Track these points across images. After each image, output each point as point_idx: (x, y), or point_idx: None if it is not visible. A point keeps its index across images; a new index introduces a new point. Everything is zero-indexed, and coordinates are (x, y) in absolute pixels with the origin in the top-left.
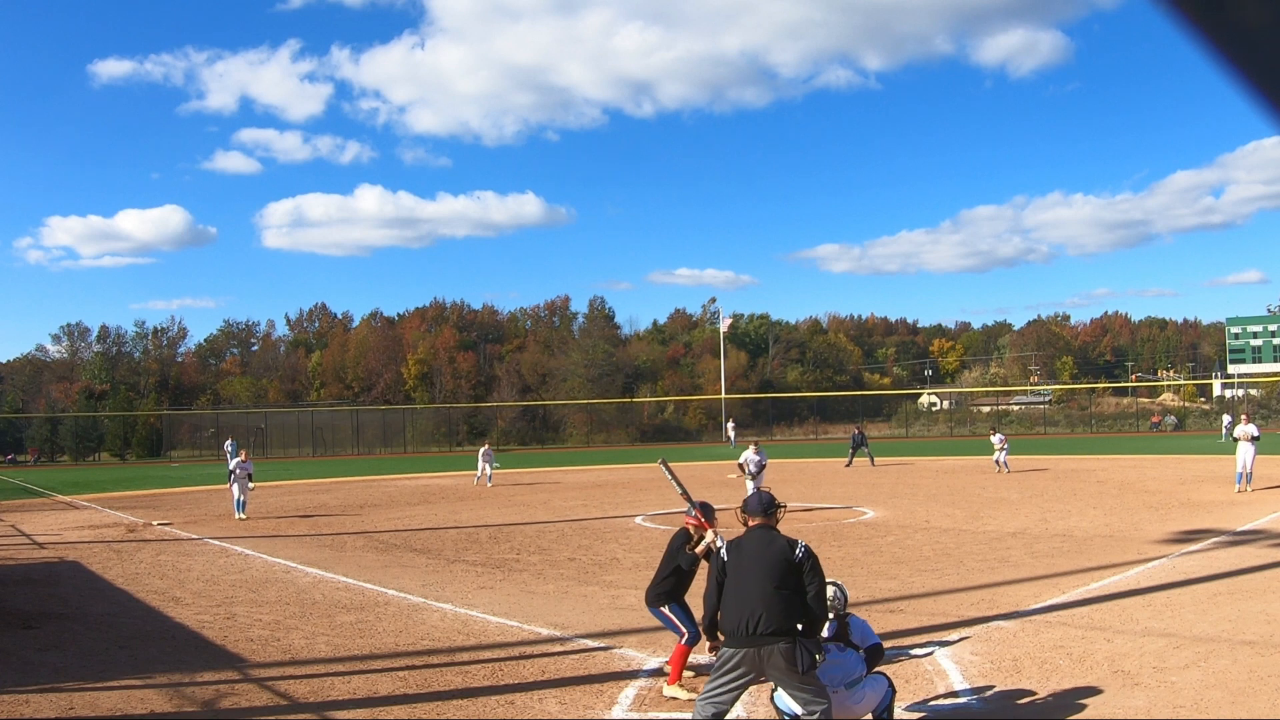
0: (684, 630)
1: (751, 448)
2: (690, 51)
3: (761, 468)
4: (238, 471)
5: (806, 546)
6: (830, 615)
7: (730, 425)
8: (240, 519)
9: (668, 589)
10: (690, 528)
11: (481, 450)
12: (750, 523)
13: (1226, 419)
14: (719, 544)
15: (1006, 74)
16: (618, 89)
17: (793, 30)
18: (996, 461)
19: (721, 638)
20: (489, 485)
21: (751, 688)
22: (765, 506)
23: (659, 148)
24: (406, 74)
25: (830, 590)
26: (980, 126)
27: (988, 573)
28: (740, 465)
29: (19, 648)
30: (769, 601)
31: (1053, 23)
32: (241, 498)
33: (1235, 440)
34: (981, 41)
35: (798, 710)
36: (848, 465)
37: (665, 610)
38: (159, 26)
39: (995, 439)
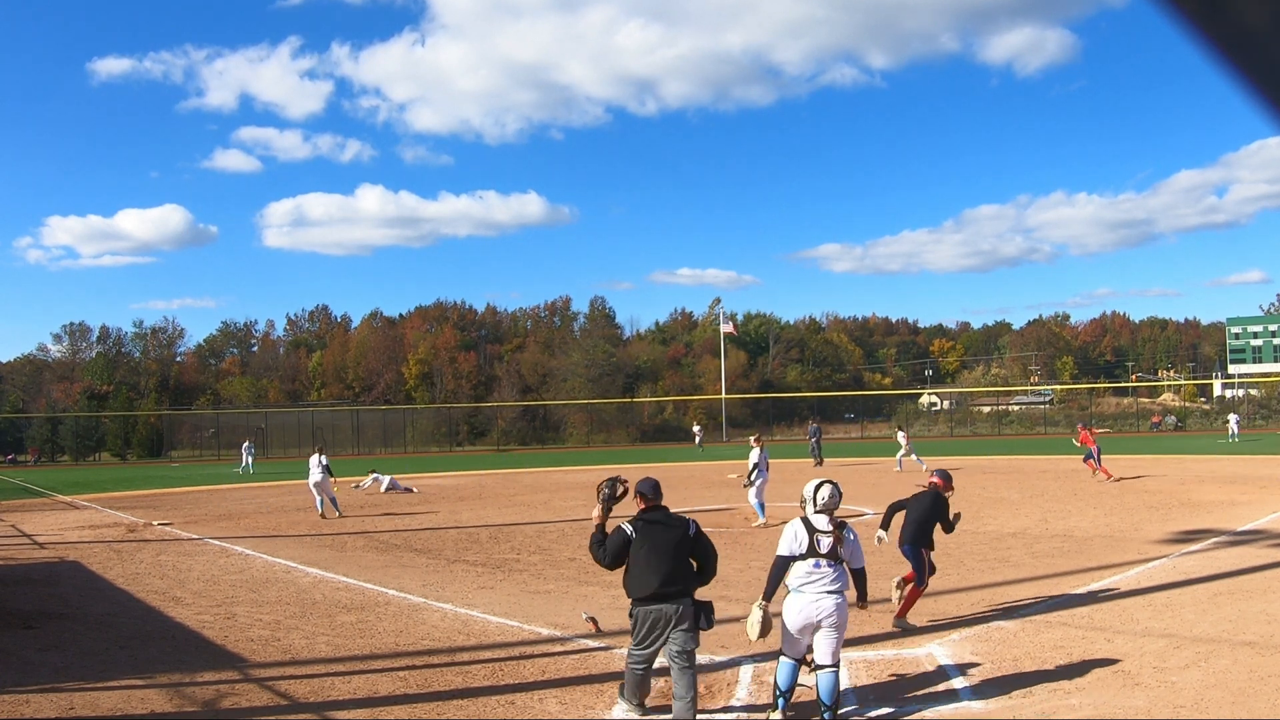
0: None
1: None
2: (693, 49)
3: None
4: (320, 475)
5: (696, 523)
6: (826, 513)
7: (697, 429)
8: (338, 516)
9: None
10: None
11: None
12: (643, 504)
13: (1234, 418)
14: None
15: (1013, 72)
16: (620, 87)
17: (795, 28)
18: (900, 460)
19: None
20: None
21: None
22: (656, 490)
23: (662, 147)
24: (407, 71)
25: (828, 489)
26: (984, 125)
27: (988, 573)
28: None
29: (19, 648)
30: (678, 571)
31: (1060, 21)
32: (327, 496)
33: None
34: (988, 40)
35: (822, 690)
36: (818, 464)
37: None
38: (158, 24)
39: (900, 437)
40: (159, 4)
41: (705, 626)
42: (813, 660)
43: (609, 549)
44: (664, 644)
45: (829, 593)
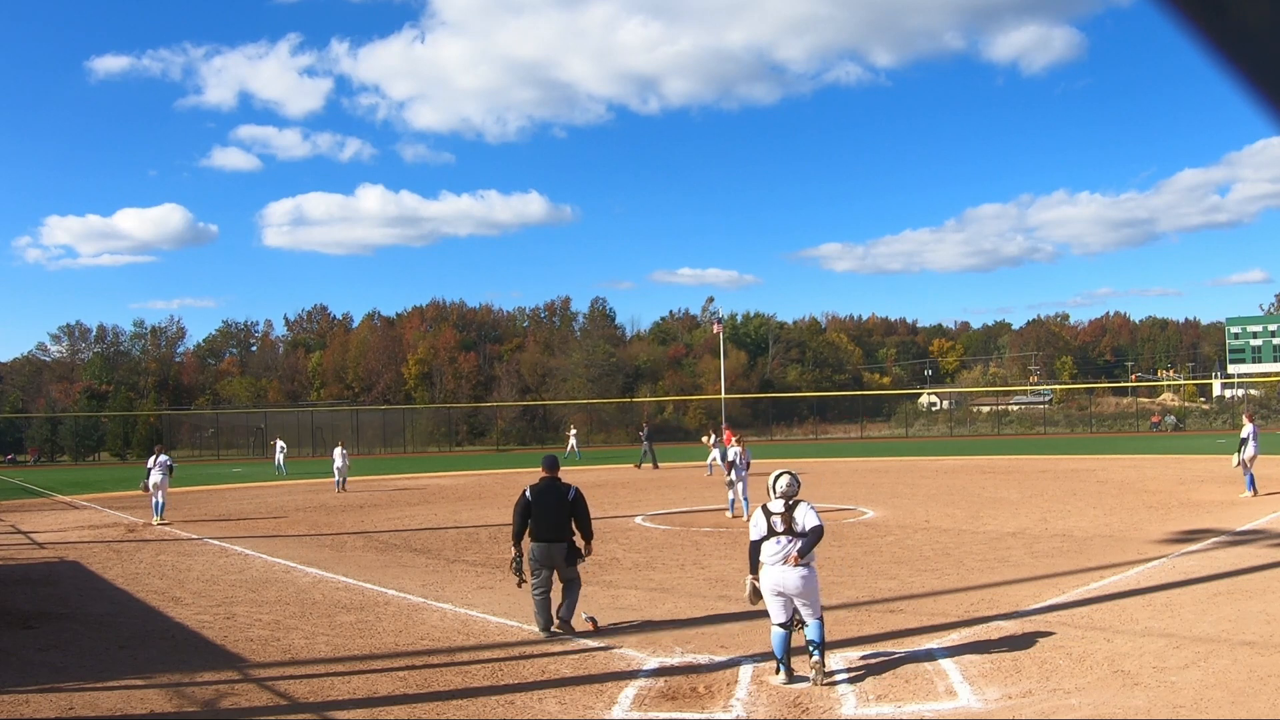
0: None
1: (729, 443)
2: (695, 46)
3: (731, 465)
4: (158, 474)
5: (577, 489)
6: (786, 499)
7: (572, 432)
8: (157, 523)
9: None
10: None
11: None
12: (543, 474)
13: None
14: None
15: (1018, 70)
16: (622, 85)
17: (798, 25)
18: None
19: (527, 543)
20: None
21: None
22: (552, 466)
23: (665, 145)
24: (407, 69)
25: (786, 479)
26: (988, 124)
27: (988, 573)
28: (730, 464)
29: (19, 648)
30: (558, 523)
31: (1066, 19)
32: (159, 499)
33: None
34: (993, 38)
35: (810, 634)
36: (648, 467)
37: None
38: (156, 21)
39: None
40: (157, 1)
41: (572, 562)
42: (800, 622)
43: (516, 510)
44: (552, 574)
45: (798, 564)
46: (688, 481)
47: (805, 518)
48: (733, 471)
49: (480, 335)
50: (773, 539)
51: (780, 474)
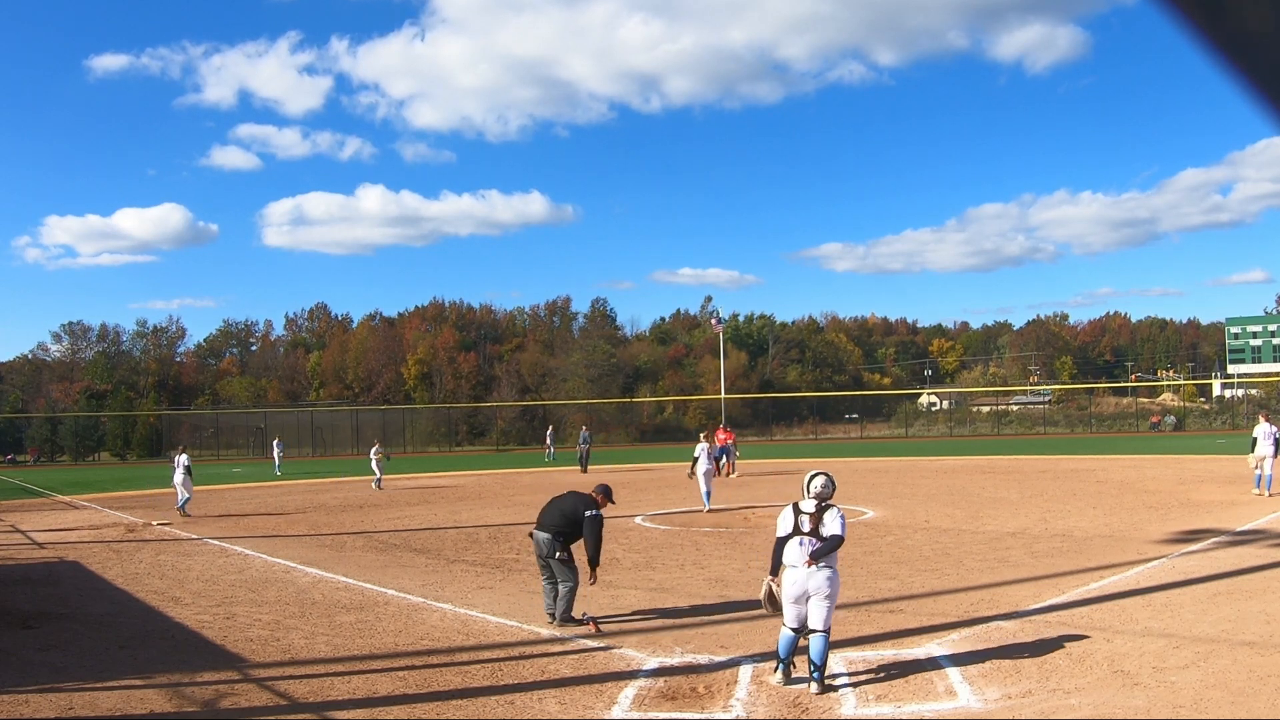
0: None
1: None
2: (696, 45)
3: (712, 458)
4: (180, 472)
5: (595, 514)
6: (820, 500)
7: (549, 433)
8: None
9: None
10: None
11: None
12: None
13: None
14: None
15: (1022, 70)
16: (624, 84)
17: (800, 24)
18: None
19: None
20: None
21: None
22: (601, 491)
23: (667, 145)
24: (407, 67)
25: (821, 480)
26: (990, 123)
27: (988, 573)
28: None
29: (19, 648)
30: (557, 519)
31: (1070, 18)
32: (183, 493)
33: None
34: (998, 37)
35: (813, 652)
36: (583, 472)
37: None
38: (155, 20)
39: (373, 452)
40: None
41: (553, 554)
42: (808, 630)
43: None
44: (547, 563)
45: (819, 567)
46: (687, 482)
47: (832, 523)
48: (697, 467)
49: (480, 335)
50: (796, 539)
51: (816, 474)
